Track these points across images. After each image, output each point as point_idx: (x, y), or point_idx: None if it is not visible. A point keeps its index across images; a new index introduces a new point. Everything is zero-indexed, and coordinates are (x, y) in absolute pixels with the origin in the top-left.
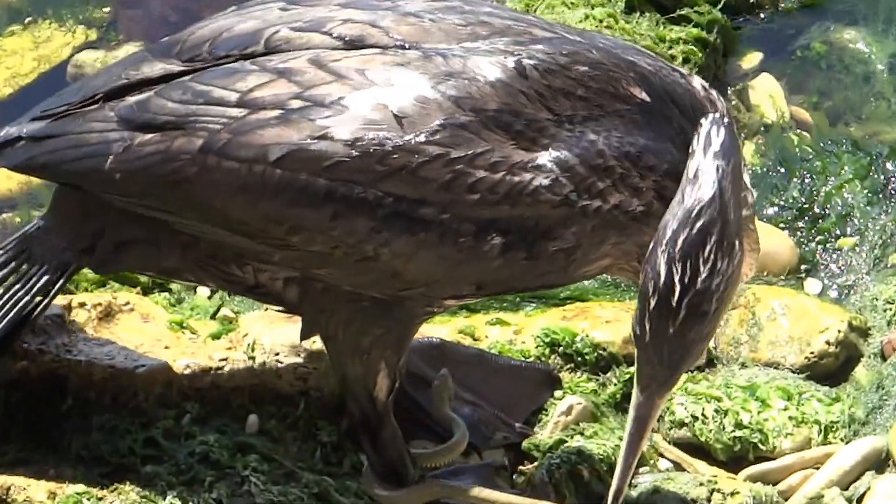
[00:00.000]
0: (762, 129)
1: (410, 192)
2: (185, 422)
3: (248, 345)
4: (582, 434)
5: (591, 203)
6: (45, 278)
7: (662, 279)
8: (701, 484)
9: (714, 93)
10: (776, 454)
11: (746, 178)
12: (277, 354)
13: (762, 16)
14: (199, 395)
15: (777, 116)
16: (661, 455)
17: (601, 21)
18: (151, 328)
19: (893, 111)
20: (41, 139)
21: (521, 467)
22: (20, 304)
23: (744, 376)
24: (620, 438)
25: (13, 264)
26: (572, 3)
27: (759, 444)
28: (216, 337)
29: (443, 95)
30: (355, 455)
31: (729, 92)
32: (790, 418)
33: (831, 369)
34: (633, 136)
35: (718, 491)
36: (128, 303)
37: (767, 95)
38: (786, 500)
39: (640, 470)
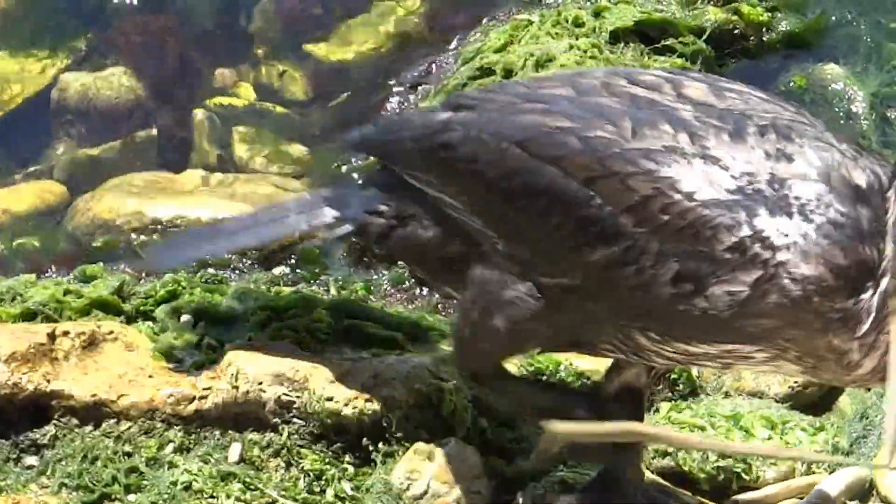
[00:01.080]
0: None
1: (616, 199)
2: (168, 451)
3: (232, 374)
4: (564, 464)
5: (760, 253)
6: (328, 218)
7: None
8: None
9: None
10: (760, 484)
11: None
12: (261, 384)
13: (747, 49)
14: (183, 423)
15: None
16: None
17: (585, 51)
18: (135, 357)
19: (874, 149)
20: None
21: (506, 496)
22: (295, 224)
23: (727, 406)
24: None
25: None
26: (556, 34)
27: (743, 474)
28: (200, 366)
29: (685, 130)
30: (339, 483)
31: None
32: None
33: (815, 399)
34: (829, 214)
35: None
36: (112, 332)
37: None
38: None
39: None
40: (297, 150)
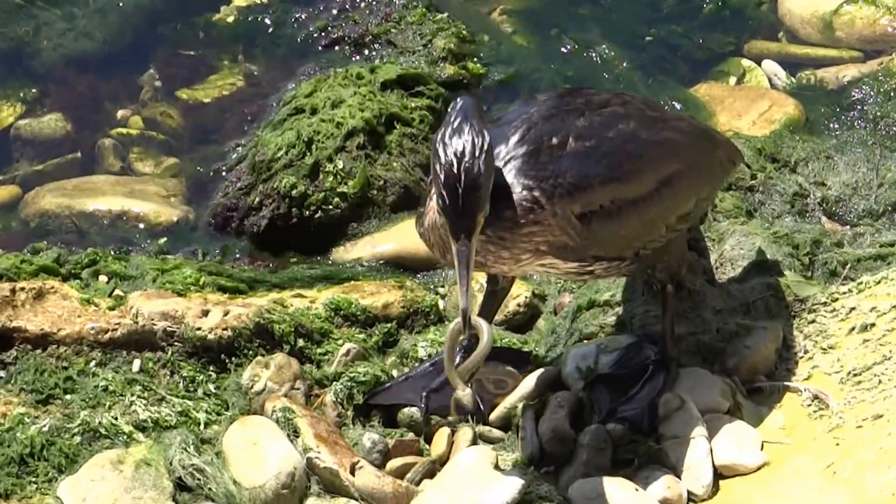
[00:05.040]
0: None
1: None
2: (91, 365)
3: (134, 313)
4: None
5: None
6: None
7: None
8: None
9: None
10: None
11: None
12: (153, 319)
13: (472, 92)
14: (101, 347)
15: None
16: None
17: (365, 96)
18: (69, 304)
19: None
20: None
21: (316, 391)
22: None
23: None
24: (382, 370)
25: None
26: (345, 84)
27: None
28: (112, 308)
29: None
30: (206, 384)
31: None
32: None
33: (522, 321)
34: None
35: None
36: (53, 287)
37: None
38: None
39: None
40: (172, 160)
